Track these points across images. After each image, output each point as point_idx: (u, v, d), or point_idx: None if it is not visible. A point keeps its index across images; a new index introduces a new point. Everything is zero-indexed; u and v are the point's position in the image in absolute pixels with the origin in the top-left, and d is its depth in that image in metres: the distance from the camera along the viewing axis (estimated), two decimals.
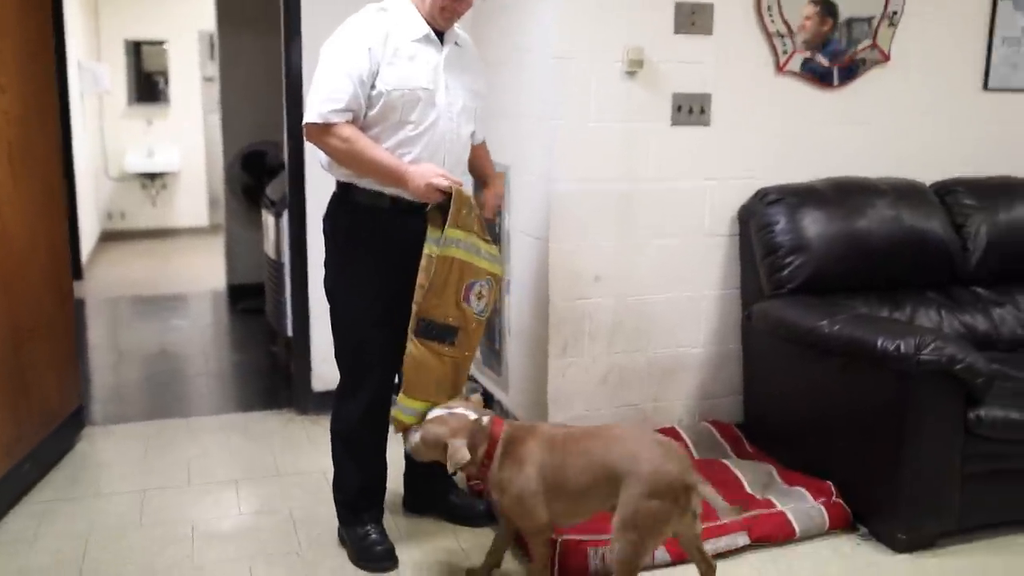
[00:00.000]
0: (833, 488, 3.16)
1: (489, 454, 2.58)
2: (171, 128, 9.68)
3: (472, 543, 3.03)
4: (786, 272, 3.48)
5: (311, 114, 2.72)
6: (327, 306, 2.99)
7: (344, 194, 2.88)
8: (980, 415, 2.92)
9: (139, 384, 4.95)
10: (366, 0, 2.92)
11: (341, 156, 2.75)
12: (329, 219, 2.94)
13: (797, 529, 3.03)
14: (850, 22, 3.75)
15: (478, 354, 4.29)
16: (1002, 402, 2.97)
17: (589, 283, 3.57)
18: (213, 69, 9.07)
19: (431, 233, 2.70)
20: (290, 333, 4.34)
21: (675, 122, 3.58)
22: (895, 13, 3.80)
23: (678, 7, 3.51)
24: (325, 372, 4.05)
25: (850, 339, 3.05)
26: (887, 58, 3.83)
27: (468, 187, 2.93)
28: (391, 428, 2.83)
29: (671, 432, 3.58)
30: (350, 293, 2.89)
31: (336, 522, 3.06)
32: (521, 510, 2.57)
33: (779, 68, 3.68)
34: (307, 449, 3.85)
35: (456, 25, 2.90)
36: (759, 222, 3.57)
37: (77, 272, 7.14)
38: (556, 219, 3.50)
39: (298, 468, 3.66)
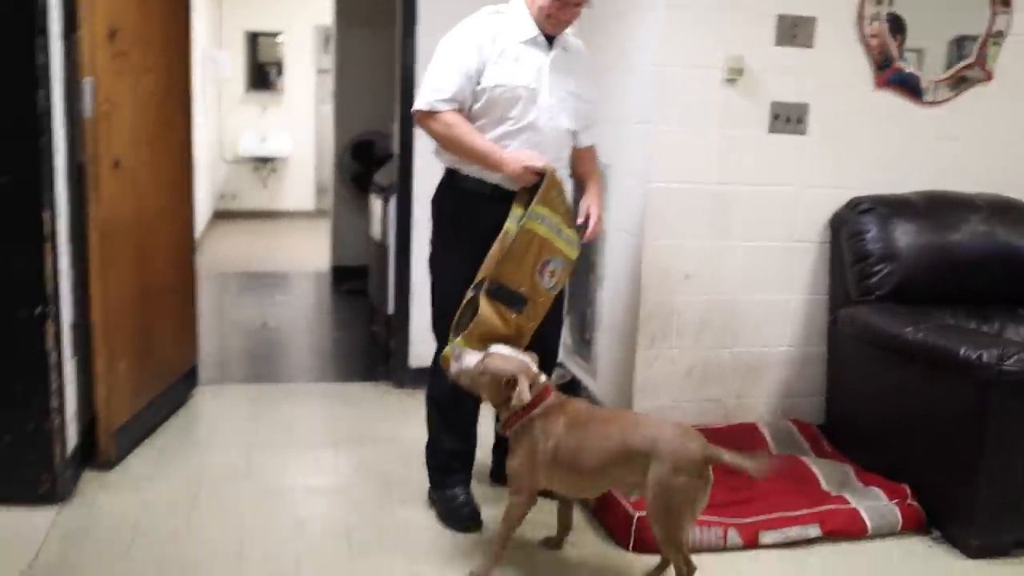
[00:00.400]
0: (909, 491, 3.24)
1: (528, 409, 2.69)
2: (284, 115, 10.13)
3: (552, 514, 3.19)
4: (875, 280, 3.56)
5: (420, 102, 2.98)
6: (427, 286, 3.22)
7: (450, 180, 3.10)
8: None
9: (245, 351, 5.27)
10: (478, 0, 3.13)
11: (444, 140, 2.98)
12: (436, 202, 3.17)
13: (869, 526, 3.12)
14: (959, 40, 3.81)
15: (569, 342, 4.46)
16: None
17: (679, 280, 3.71)
18: (326, 61, 9.46)
19: (514, 211, 2.88)
20: (391, 311, 4.58)
21: (772, 130, 3.69)
22: (1000, 33, 3.84)
23: (780, 20, 3.62)
24: (422, 350, 4.27)
25: (933, 347, 3.13)
26: (990, 77, 3.87)
27: (568, 187, 3.12)
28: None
29: (750, 428, 3.70)
30: (448, 269, 3.11)
31: (427, 485, 3.27)
32: (518, 472, 2.72)
33: (878, 82, 3.76)
34: (402, 419, 4.07)
35: (569, 32, 3.07)
36: (850, 230, 3.65)
37: None
38: (651, 218, 3.65)
39: (393, 436, 3.89)
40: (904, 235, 3.59)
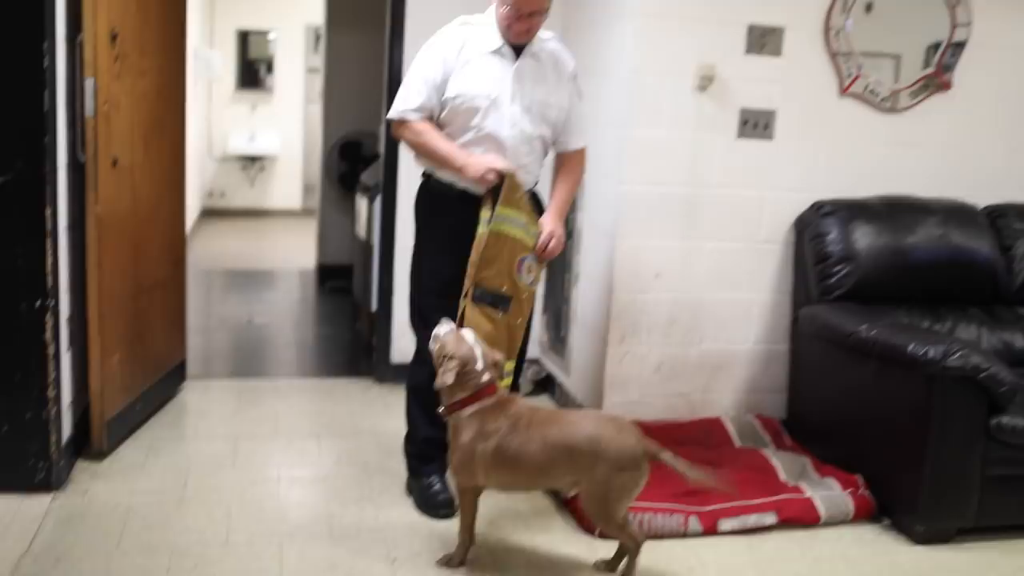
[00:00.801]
0: (861, 481, 3.42)
1: (465, 403, 2.77)
2: (273, 114, 10.26)
3: (529, 504, 3.35)
4: (834, 280, 3.74)
5: (392, 111, 3.20)
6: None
7: (426, 183, 3.28)
8: (1002, 422, 3.15)
9: (232, 347, 5.42)
10: (465, 5, 3.30)
11: (414, 147, 3.20)
12: (416, 204, 3.36)
13: (822, 514, 3.29)
14: (935, 46, 3.99)
15: (544, 339, 4.63)
16: None
17: (650, 279, 3.88)
18: (316, 61, 9.60)
19: (483, 215, 3.04)
20: (374, 308, 4.74)
21: (740, 135, 3.87)
22: (960, 44, 4.01)
23: (750, 29, 3.79)
24: (404, 345, 4.41)
25: (885, 344, 3.30)
26: (949, 86, 4.04)
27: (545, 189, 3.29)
28: None
29: (715, 422, 3.88)
30: (423, 266, 3.30)
31: (405, 475, 3.44)
32: (455, 470, 2.85)
33: (843, 90, 3.93)
34: (383, 413, 4.23)
35: (550, 36, 3.23)
36: (813, 231, 3.83)
37: None
38: (623, 218, 3.82)
39: (374, 428, 4.04)
40: (863, 237, 3.76)
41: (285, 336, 5.75)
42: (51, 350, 3.19)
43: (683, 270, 3.90)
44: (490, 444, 2.75)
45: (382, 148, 4.67)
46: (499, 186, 3.02)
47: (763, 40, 3.83)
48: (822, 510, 3.30)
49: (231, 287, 7.12)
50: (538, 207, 3.25)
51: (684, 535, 3.17)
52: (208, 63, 9.22)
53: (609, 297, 3.87)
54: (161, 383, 4.11)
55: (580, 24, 4.26)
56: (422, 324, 3.29)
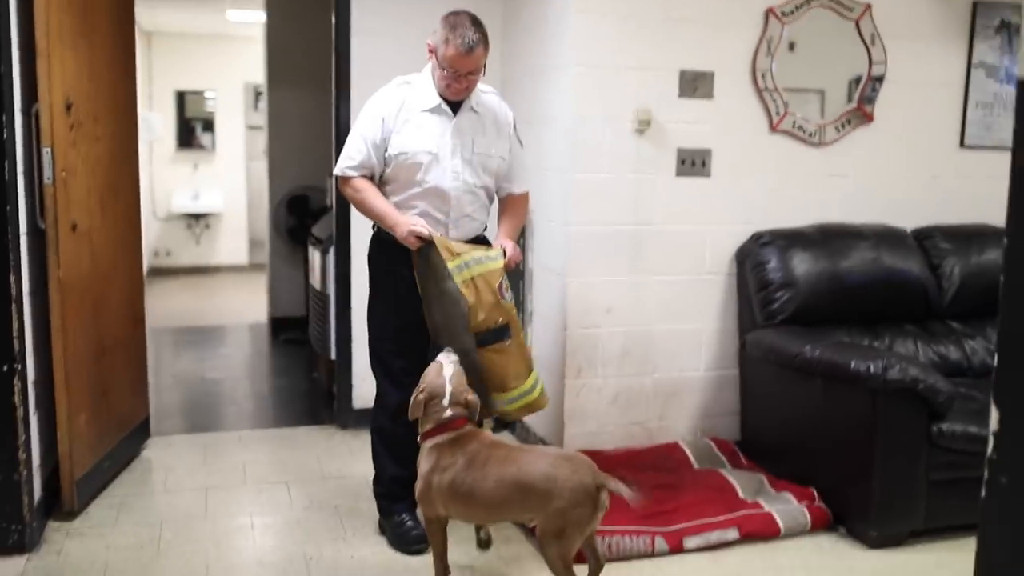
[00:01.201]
0: (815, 493, 3.59)
1: (427, 435, 2.93)
2: (215, 172, 10.32)
3: (498, 532, 3.45)
4: (776, 305, 3.94)
5: (336, 168, 3.36)
6: (366, 330, 3.50)
7: (377, 233, 3.42)
8: (942, 429, 3.35)
9: (192, 403, 5.45)
10: (407, 62, 3.46)
11: (354, 203, 3.38)
12: (369, 253, 3.49)
13: (782, 527, 3.45)
14: (857, 80, 4.26)
15: None
16: (963, 419, 3.39)
17: (601, 314, 4.04)
18: (256, 118, 9.71)
19: (442, 273, 3.11)
20: (334, 356, 4.82)
21: (679, 173, 4.07)
22: (878, 79, 4.28)
23: (682, 75, 4.01)
24: (365, 391, 4.51)
25: (829, 362, 3.50)
26: (871, 118, 4.30)
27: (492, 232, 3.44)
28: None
29: (673, 447, 4.03)
30: (376, 312, 3.43)
31: (377, 515, 3.52)
32: (418, 498, 2.98)
33: (772, 127, 4.17)
34: (349, 459, 4.31)
35: (488, 89, 3.39)
36: (753, 261, 4.03)
37: None
38: (572, 258, 3.98)
39: (341, 473, 4.12)
40: (801, 264, 3.97)
41: (243, 389, 5.79)
42: (20, 413, 3.23)
43: (633, 304, 4.07)
44: (446, 478, 2.86)
45: (333, 201, 4.79)
46: (432, 247, 3.11)
47: (695, 84, 4.05)
48: (781, 523, 3.45)
49: (183, 344, 7.12)
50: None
51: (652, 555, 3.29)
52: (149, 124, 9.26)
53: (563, 334, 4.02)
54: (126, 440, 4.14)
55: (519, 75, 4.46)
56: (381, 369, 3.42)
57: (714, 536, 3.37)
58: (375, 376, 3.47)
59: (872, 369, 3.30)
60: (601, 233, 4.00)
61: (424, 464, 2.93)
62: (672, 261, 4.10)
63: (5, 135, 3.12)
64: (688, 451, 4.02)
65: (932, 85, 4.42)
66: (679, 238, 4.10)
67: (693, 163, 4.07)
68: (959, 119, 4.50)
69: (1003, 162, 1.24)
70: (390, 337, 3.36)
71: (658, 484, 3.67)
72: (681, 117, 4.04)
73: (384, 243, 3.34)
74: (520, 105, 4.17)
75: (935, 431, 3.35)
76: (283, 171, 7.04)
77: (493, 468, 2.84)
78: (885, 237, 4.16)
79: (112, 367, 3.96)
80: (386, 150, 3.25)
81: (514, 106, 3.55)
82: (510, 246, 3.31)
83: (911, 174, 4.42)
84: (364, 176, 3.28)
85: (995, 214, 4.47)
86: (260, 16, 7.69)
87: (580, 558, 3.00)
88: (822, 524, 3.52)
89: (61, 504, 3.57)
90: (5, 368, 3.18)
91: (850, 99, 4.29)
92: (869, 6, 4.21)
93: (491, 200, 3.45)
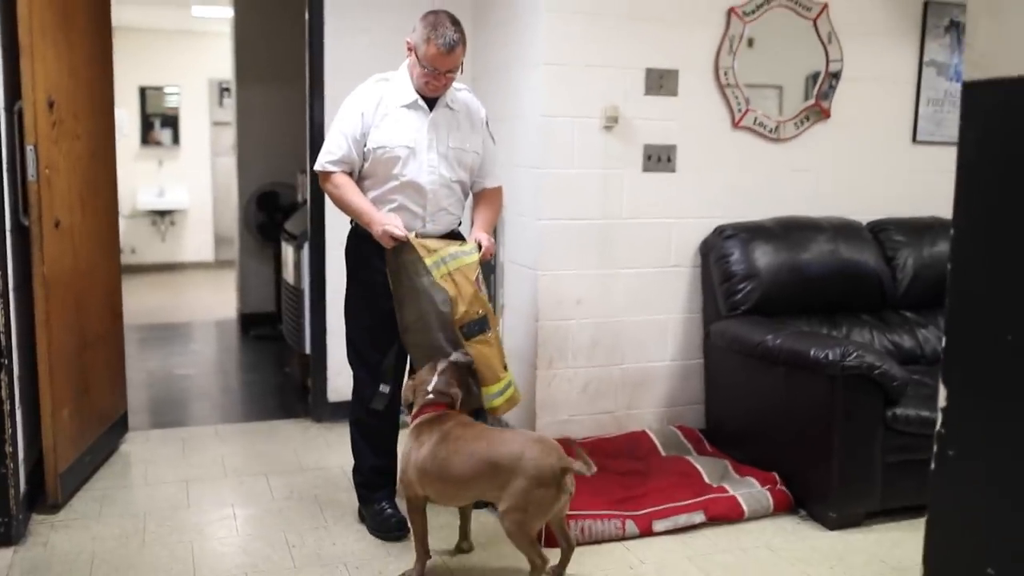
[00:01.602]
0: (777, 478, 3.74)
1: (414, 417, 3.12)
2: (180, 169, 10.32)
3: (478, 521, 3.56)
4: (739, 296, 4.09)
5: (316, 164, 3.44)
6: (342, 324, 3.60)
7: (355, 228, 3.51)
8: (896, 413, 3.52)
9: (167, 399, 5.50)
10: (378, 62, 3.56)
11: (333, 198, 3.45)
12: (346, 248, 3.58)
13: (746, 510, 3.60)
14: (797, 80, 4.41)
15: None
16: (916, 403, 3.56)
17: (572, 306, 4.17)
18: (221, 115, 9.72)
19: (419, 269, 3.22)
20: (308, 350, 4.91)
21: (645, 169, 4.20)
22: (835, 76, 4.45)
23: (648, 72, 4.14)
24: (340, 384, 4.61)
25: (790, 350, 3.66)
26: (828, 115, 4.47)
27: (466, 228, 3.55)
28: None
29: (641, 435, 4.17)
30: (353, 305, 3.54)
31: (356, 504, 3.62)
32: (401, 476, 3.13)
33: (735, 123, 4.32)
34: (326, 451, 4.40)
35: (462, 87, 3.50)
36: (717, 254, 4.18)
37: None
38: (543, 252, 4.11)
39: (319, 464, 4.22)
40: (763, 256, 4.13)
41: (216, 384, 5.85)
42: (7, 407, 3.29)
43: (602, 296, 4.21)
44: (423, 452, 3.02)
45: (307, 197, 4.87)
46: (406, 246, 3.21)
47: (660, 81, 4.19)
48: (745, 506, 3.61)
49: (152, 341, 7.14)
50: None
51: (623, 538, 3.43)
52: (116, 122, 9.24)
53: (535, 325, 4.15)
54: (106, 435, 4.20)
55: (489, 71, 4.57)
56: (359, 361, 3.53)
57: (682, 519, 3.52)
58: (352, 368, 3.58)
59: (831, 356, 3.45)
60: (571, 227, 4.12)
61: (406, 444, 3.11)
62: (639, 254, 4.24)
63: None
64: (655, 439, 4.16)
65: (886, 82, 4.60)
66: (646, 231, 4.24)
67: (659, 159, 4.21)
68: (911, 115, 4.69)
69: (952, 157, 1.37)
70: (367, 328, 3.47)
71: (627, 471, 3.82)
72: (647, 114, 4.17)
73: (361, 237, 3.42)
74: (491, 101, 4.28)
75: (890, 415, 3.52)
76: (252, 167, 7.10)
77: (465, 444, 2.98)
78: (842, 230, 4.33)
79: (93, 362, 4.03)
80: (365, 145, 3.34)
81: (485, 102, 3.66)
82: (484, 238, 3.40)
83: (867, 168, 4.60)
84: (344, 172, 3.38)
85: (945, 207, 4.63)
86: (225, 12, 7.72)
87: (552, 542, 3.14)
88: (784, 507, 3.68)
89: (45, 497, 3.63)
90: None
91: (808, 95, 4.46)
92: (826, 5, 4.38)
93: (467, 195, 3.56)
